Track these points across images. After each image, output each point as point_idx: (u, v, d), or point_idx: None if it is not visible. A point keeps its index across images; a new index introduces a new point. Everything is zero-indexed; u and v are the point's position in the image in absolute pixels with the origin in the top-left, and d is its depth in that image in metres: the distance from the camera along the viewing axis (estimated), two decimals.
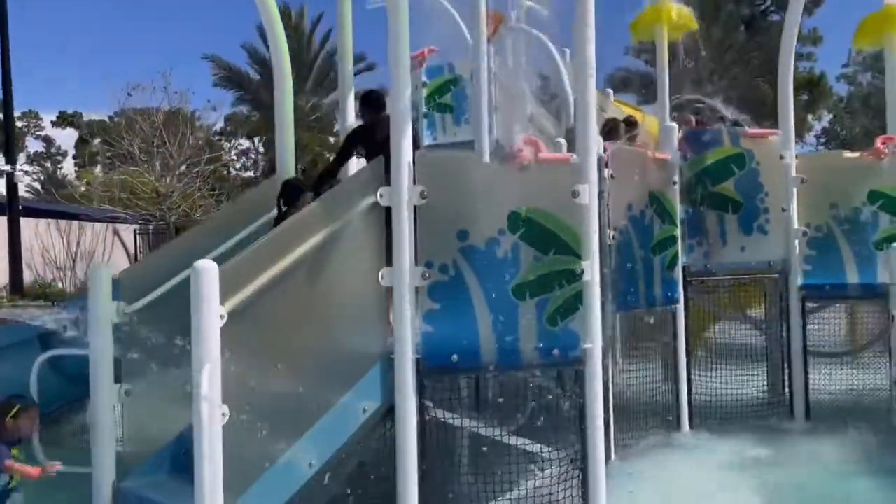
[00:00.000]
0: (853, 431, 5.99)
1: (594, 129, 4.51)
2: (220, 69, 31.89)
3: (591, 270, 4.37)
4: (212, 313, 3.27)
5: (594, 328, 4.39)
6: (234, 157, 33.09)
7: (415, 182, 4.12)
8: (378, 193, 4.12)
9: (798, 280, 6.54)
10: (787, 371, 6.64)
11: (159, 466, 4.22)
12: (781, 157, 6.55)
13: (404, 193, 4.10)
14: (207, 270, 3.29)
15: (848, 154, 6.73)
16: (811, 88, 32.47)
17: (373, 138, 5.55)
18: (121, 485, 4.09)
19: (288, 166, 5.03)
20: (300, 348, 3.77)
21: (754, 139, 6.53)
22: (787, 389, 6.73)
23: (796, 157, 6.62)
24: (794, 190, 6.56)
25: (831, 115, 37.24)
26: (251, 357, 3.49)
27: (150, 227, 26.53)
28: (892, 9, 7.21)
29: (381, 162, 4.23)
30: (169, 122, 24.43)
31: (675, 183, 6.16)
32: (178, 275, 4.26)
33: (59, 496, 4.25)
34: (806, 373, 6.59)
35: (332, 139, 37.24)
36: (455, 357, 4.15)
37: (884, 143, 6.49)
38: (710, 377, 6.80)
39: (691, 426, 6.27)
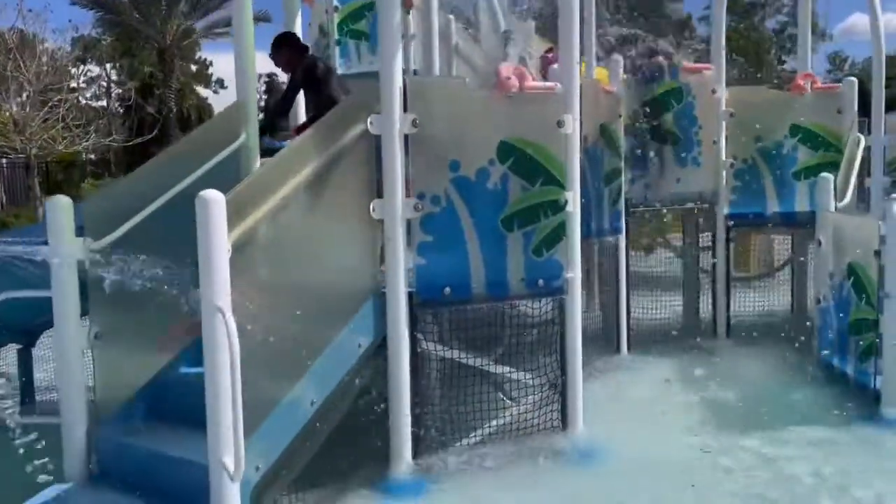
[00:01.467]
0: (767, 346, 6.50)
1: (576, 58, 4.49)
2: None
3: (573, 201, 4.43)
4: (221, 246, 3.05)
5: (575, 258, 4.47)
6: (84, 85, 30.49)
7: (406, 110, 3.98)
8: (368, 121, 3.95)
9: (724, 210, 6.91)
10: (711, 295, 7.06)
11: (134, 412, 3.97)
12: (714, 92, 6.81)
13: (396, 121, 3.95)
14: (216, 201, 3.05)
15: (772, 90, 7.12)
16: (681, 29, 33.94)
17: (314, 75, 5.39)
18: (96, 432, 3.81)
19: (249, 94, 4.69)
20: (297, 284, 3.60)
21: (691, 73, 6.74)
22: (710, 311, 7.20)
23: (726, 91, 6.90)
24: (724, 123, 6.86)
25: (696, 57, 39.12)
26: (252, 294, 3.30)
27: (4, 161, 24.36)
28: None
29: (371, 89, 4.03)
30: (24, 46, 22.18)
31: (620, 116, 6.28)
32: (148, 206, 3.93)
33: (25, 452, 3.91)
34: (728, 296, 7.04)
35: (193, 67, 35.15)
36: (447, 290, 4.12)
37: (803, 80, 6.89)
38: (642, 303, 7.17)
39: (629, 349, 6.58)
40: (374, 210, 3.97)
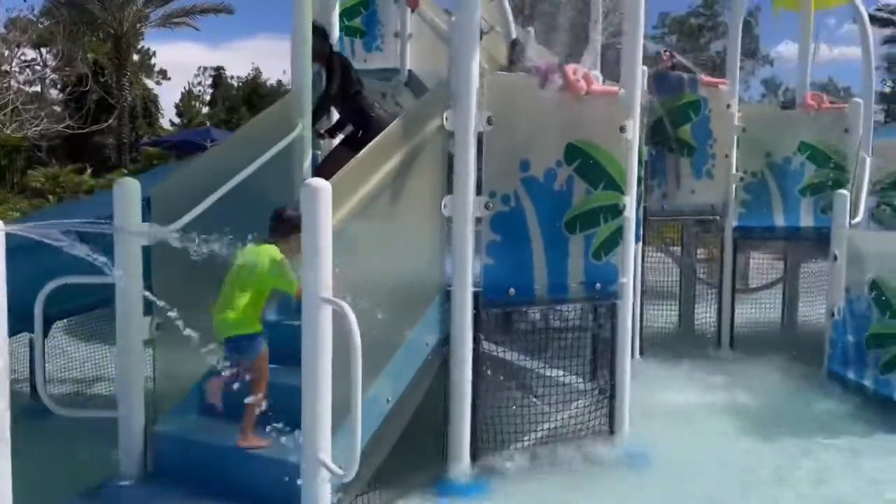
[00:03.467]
0: (772, 357, 6.67)
1: (639, 63, 4.52)
2: None
3: (630, 206, 4.45)
4: (328, 234, 2.96)
5: (629, 263, 4.50)
6: (17, 69, 29.12)
7: (481, 107, 3.94)
8: (444, 116, 3.90)
9: (733, 222, 7.07)
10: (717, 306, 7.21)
11: (191, 406, 3.81)
12: (728, 107, 6.96)
13: (471, 118, 3.91)
14: (323, 189, 2.96)
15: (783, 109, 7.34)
16: None
17: (349, 75, 5.39)
18: (155, 428, 3.64)
19: (304, 84, 4.55)
20: (378, 280, 3.52)
21: (708, 87, 6.88)
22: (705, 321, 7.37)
23: (738, 107, 7.07)
24: (736, 137, 7.02)
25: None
26: (341, 287, 3.21)
27: None
28: None
29: (445, 84, 3.97)
30: None
31: (644, 123, 6.35)
32: (213, 193, 3.79)
33: (79, 446, 3.72)
34: (733, 308, 7.20)
35: (135, 56, 34.03)
36: (512, 290, 4.08)
37: (812, 99, 7.10)
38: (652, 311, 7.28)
39: (641, 354, 6.66)
40: (444, 206, 3.92)
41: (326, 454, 2.95)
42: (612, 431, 4.52)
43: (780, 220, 7.09)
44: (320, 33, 5.47)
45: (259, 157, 4.09)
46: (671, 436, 4.76)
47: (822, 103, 7.13)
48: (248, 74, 37.63)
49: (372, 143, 3.60)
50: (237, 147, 4.15)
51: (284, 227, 3.38)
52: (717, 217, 7.04)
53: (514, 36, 10.70)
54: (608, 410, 4.54)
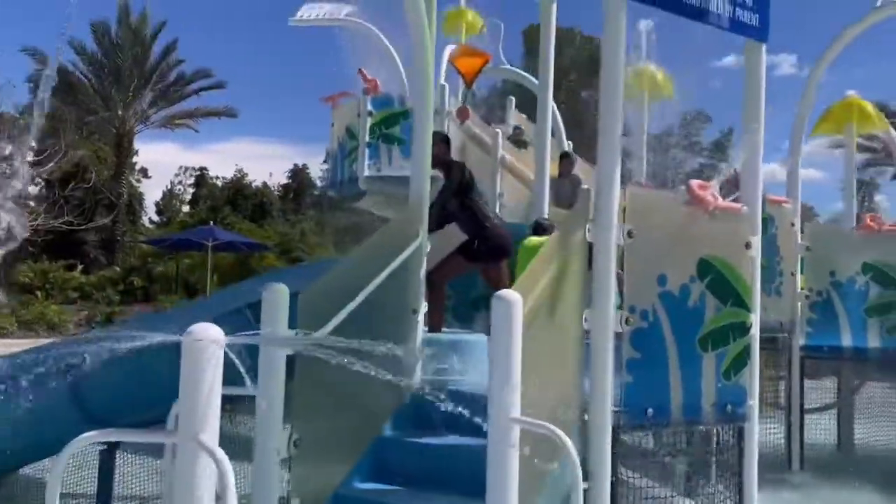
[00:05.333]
0: (847, 480, 6.42)
1: (760, 182, 4.51)
2: None
3: (756, 324, 4.32)
4: (519, 349, 2.78)
5: (755, 384, 4.33)
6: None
7: (623, 220, 3.85)
8: (586, 228, 3.80)
9: (800, 340, 6.97)
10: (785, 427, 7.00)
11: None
12: (792, 225, 7.01)
13: (612, 230, 3.81)
14: (516, 303, 2.79)
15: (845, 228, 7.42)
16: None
17: (468, 183, 5.40)
18: None
19: (423, 193, 4.45)
20: (535, 393, 3.30)
21: (774, 205, 6.93)
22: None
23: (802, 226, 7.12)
24: (800, 256, 7.02)
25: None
26: None
27: None
28: (854, 100, 8.12)
29: (588, 196, 3.90)
30: None
31: None
32: (352, 301, 3.60)
33: None
34: (802, 429, 6.99)
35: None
36: (650, 411, 3.87)
37: (872, 220, 7.19)
38: None
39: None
40: (585, 320, 3.75)
41: None
42: None
43: (847, 340, 7.01)
44: (441, 138, 5.45)
45: (384, 265, 3.94)
46: None
47: (883, 225, 7.22)
48: (234, 175, 37.85)
49: (542, 254, 3.46)
50: (365, 254, 4.00)
51: (544, 233, 4.77)
52: (786, 335, 6.93)
53: (564, 148, 10.91)
54: None
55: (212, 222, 21.04)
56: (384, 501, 3.65)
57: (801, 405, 7.00)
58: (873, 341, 6.95)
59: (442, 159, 5.34)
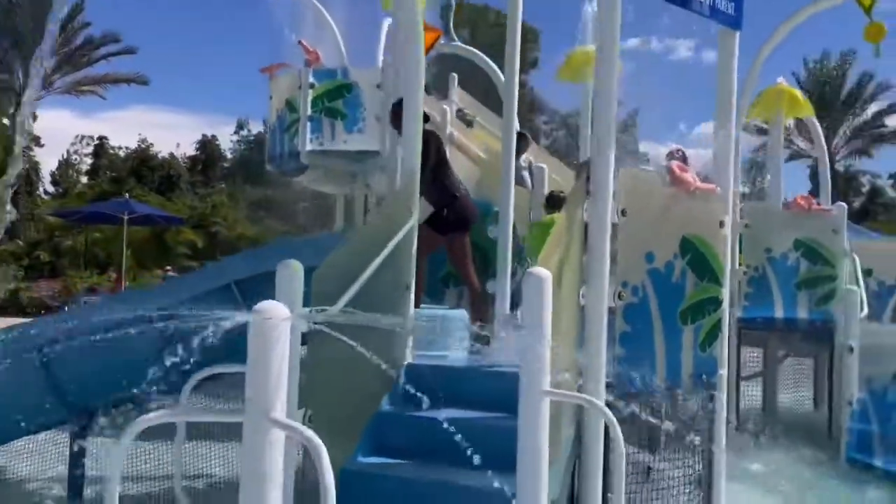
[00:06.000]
0: (780, 442, 6.93)
1: (732, 162, 4.75)
2: None
3: (727, 298, 4.59)
4: (549, 324, 2.88)
5: (725, 354, 4.60)
6: None
7: (614, 199, 4.00)
8: (583, 207, 3.93)
9: (737, 313, 7.39)
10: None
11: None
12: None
13: (607, 210, 3.95)
14: (547, 278, 2.89)
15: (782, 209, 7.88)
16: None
17: (442, 155, 5.41)
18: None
19: (415, 170, 4.45)
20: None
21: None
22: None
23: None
24: (739, 234, 7.42)
25: None
26: None
27: None
28: (784, 87, 8.61)
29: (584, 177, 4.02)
30: None
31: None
32: (353, 280, 3.60)
33: None
34: (738, 395, 7.45)
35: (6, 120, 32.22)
36: (638, 382, 4.06)
37: (802, 199, 7.68)
38: None
39: None
40: (582, 297, 3.90)
41: None
42: None
43: (780, 312, 7.49)
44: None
45: (382, 243, 3.96)
46: None
47: (812, 205, 7.72)
48: (138, 145, 36.14)
49: (554, 232, 3.56)
50: (365, 232, 4.00)
51: (559, 203, 5.15)
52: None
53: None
54: (706, 500, 4.53)
55: (126, 195, 20.14)
56: (387, 474, 3.70)
57: (738, 373, 7.45)
58: (802, 312, 7.46)
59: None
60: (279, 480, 2.20)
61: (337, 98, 9.87)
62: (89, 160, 38.47)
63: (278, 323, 2.19)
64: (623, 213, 4.01)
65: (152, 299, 4.22)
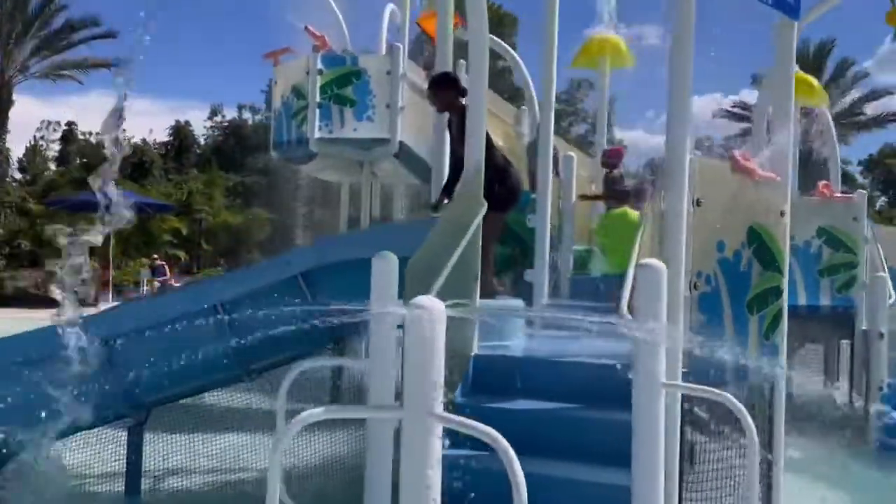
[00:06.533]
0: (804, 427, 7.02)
1: (790, 151, 4.76)
2: None
3: (786, 288, 4.61)
4: (664, 311, 2.88)
5: (784, 344, 4.63)
6: None
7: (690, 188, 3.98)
8: (661, 196, 3.91)
9: None
10: None
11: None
12: None
13: (683, 199, 3.94)
14: (663, 271, 2.88)
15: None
16: None
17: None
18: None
19: (480, 161, 4.37)
20: None
21: None
22: None
23: None
24: None
25: None
26: None
27: None
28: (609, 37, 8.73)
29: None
30: None
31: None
32: (437, 271, 3.56)
33: None
34: None
35: None
36: (711, 372, 4.07)
37: (825, 188, 7.76)
38: None
39: None
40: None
41: None
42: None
43: (802, 299, 7.57)
44: (453, 81, 5.33)
45: (459, 234, 3.91)
46: None
47: (833, 193, 7.80)
48: None
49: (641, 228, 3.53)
50: (445, 224, 3.95)
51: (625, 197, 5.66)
52: None
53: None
54: (768, 483, 4.57)
55: (132, 183, 19.71)
56: (472, 466, 3.67)
57: None
58: (825, 299, 7.55)
59: (448, 107, 5.27)
60: (438, 475, 2.17)
61: (346, 85, 9.74)
62: (57, 146, 37.59)
63: (435, 318, 2.15)
64: (698, 203, 3.99)
65: (219, 291, 4.12)
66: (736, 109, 38.99)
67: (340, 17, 11.80)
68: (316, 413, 2.13)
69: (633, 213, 5.62)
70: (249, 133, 40.53)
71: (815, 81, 8.76)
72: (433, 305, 2.11)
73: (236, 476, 4.88)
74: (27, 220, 23.15)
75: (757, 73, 28.94)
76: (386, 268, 3.22)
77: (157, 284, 19.19)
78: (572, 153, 7.23)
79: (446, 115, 5.65)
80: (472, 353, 4.18)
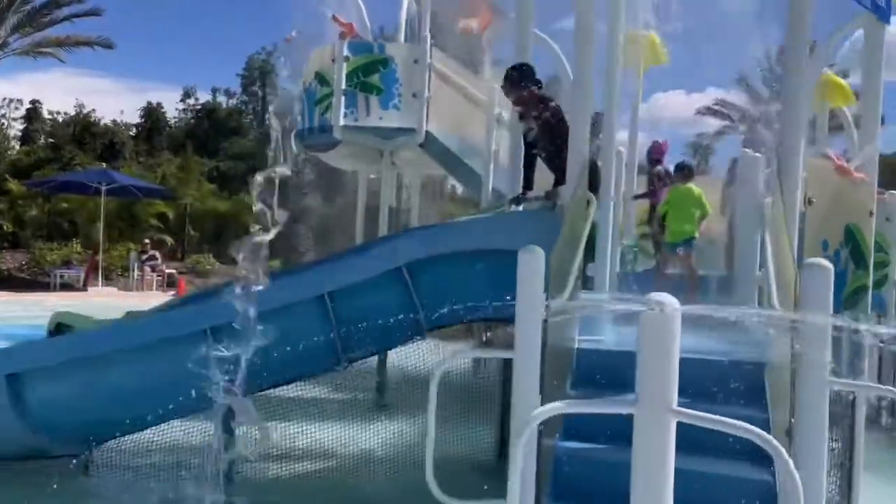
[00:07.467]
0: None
1: (876, 152, 4.84)
2: None
3: (871, 285, 4.71)
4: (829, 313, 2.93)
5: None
6: None
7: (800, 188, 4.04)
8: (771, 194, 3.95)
9: None
10: None
11: None
12: None
13: (797, 198, 4.00)
14: (829, 269, 2.93)
15: None
16: None
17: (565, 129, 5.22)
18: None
19: (584, 158, 4.36)
20: None
21: None
22: None
23: None
24: None
25: None
26: None
27: None
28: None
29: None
30: None
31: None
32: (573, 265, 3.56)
33: None
34: None
35: None
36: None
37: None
38: None
39: None
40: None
41: None
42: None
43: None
44: (531, 74, 5.24)
45: (578, 229, 3.92)
46: None
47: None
48: (76, 111, 34.12)
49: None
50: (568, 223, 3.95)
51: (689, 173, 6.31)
52: None
53: None
54: (845, 477, 4.67)
55: (104, 164, 19.28)
56: (593, 457, 3.65)
57: None
58: None
59: (539, 96, 5.20)
60: (672, 469, 2.17)
61: (372, 73, 9.56)
62: (20, 125, 36.36)
63: (672, 315, 2.15)
64: (809, 201, 4.05)
65: (320, 282, 4.03)
66: (717, 107, 39.50)
67: (361, 2, 11.65)
68: (556, 406, 2.12)
69: (698, 189, 6.09)
70: (224, 117, 39.77)
71: (845, 84, 8.90)
72: (669, 302, 2.11)
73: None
74: (7, 201, 22.48)
75: (741, 73, 29.25)
76: (533, 261, 3.21)
77: (147, 269, 18.81)
78: (622, 149, 7.25)
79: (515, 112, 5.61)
80: (575, 348, 4.19)
